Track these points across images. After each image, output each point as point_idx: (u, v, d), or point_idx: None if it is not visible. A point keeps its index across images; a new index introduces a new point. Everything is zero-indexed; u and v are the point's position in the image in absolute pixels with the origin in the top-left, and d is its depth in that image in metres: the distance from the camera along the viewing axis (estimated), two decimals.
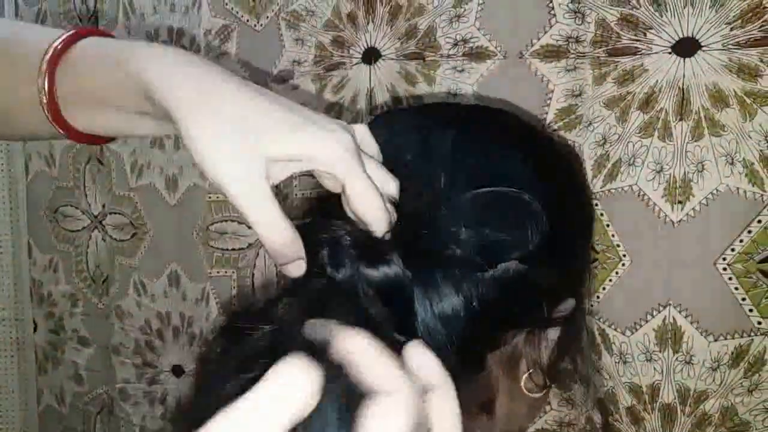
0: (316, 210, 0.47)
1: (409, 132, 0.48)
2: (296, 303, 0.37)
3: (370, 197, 0.39)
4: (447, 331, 0.42)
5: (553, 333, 0.48)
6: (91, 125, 0.47)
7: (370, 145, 0.43)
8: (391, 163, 0.43)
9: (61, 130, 0.46)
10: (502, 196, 0.44)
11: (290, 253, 0.39)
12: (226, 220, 0.93)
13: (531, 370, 0.48)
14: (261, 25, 0.87)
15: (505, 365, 0.48)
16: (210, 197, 0.93)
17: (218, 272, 0.95)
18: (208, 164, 0.38)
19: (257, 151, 0.37)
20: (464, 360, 0.43)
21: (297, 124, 0.38)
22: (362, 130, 0.43)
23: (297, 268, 0.39)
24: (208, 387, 0.38)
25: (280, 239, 0.38)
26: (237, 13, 0.88)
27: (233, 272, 0.94)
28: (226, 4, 0.88)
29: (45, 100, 0.45)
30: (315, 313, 0.33)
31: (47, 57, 0.44)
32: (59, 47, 0.45)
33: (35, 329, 1.18)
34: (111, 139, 0.51)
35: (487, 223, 0.43)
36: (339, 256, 0.40)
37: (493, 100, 0.72)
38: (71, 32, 0.45)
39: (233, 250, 0.94)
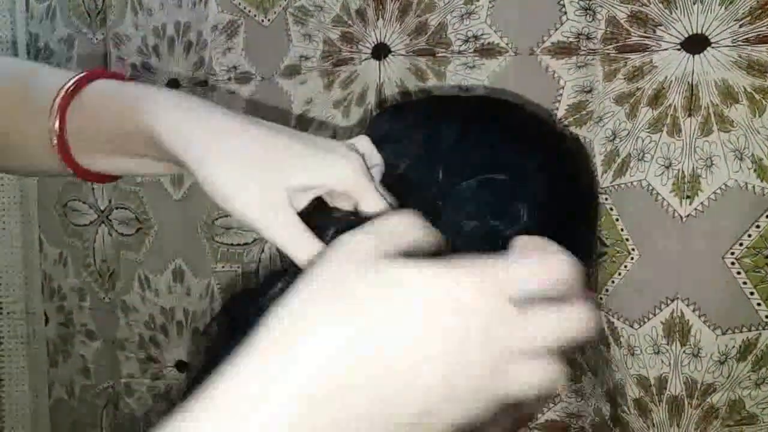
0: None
1: (415, 126, 0.49)
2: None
3: (382, 209, 0.41)
4: None
5: None
6: (100, 165, 0.49)
7: (373, 155, 0.45)
8: (397, 158, 0.44)
9: (70, 169, 0.48)
10: (504, 186, 0.45)
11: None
12: (231, 215, 0.93)
13: None
14: (268, 20, 0.87)
15: None
16: None
17: (223, 267, 0.95)
18: (236, 203, 0.40)
19: (280, 184, 0.40)
20: None
21: (312, 155, 0.41)
22: (365, 144, 0.45)
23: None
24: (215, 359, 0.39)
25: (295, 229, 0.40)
26: (244, 8, 0.88)
27: (238, 267, 0.94)
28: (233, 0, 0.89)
29: (55, 141, 0.46)
30: None
31: (58, 99, 0.46)
32: (70, 89, 0.46)
33: (46, 322, 1.19)
34: (118, 177, 0.52)
35: (490, 214, 0.44)
36: None
37: (502, 92, 0.73)
38: (81, 75, 0.47)
39: (238, 245, 0.94)
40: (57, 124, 0.46)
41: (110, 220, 1.05)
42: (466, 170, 0.43)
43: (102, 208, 1.06)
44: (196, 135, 0.41)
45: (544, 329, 0.30)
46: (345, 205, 0.43)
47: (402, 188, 0.44)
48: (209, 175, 0.40)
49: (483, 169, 0.45)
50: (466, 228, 0.43)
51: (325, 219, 0.43)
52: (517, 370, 0.30)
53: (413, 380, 0.28)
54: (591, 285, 0.63)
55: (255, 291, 0.45)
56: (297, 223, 0.40)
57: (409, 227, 0.33)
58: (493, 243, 0.42)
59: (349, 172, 0.40)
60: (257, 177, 0.40)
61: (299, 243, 0.39)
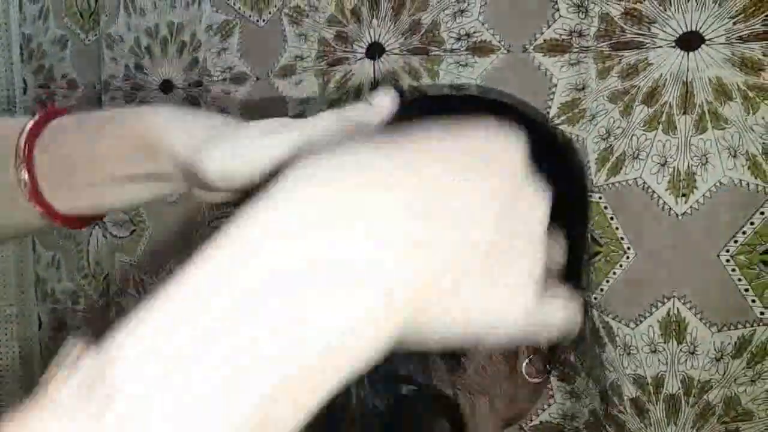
0: None
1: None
2: None
3: None
4: None
5: None
6: (77, 203, 0.45)
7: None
8: None
9: (47, 216, 0.44)
10: None
11: None
12: (226, 216, 0.93)
13: (531, 356, 0.49)
14: (263, 20, 0.87)
15: (505, 352, 0.49)
16: None
17: None
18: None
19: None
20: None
21: None
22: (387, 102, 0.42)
23: None
24: None
25: None
26: (239, 8, 0.88)
27: None
28: (228, 0, 0.88)
29: (28, 186, 0.43)
30: None
31: (21, 143, 0.43)
32: (30, 130, 0.43)
33: (40, 326, 1.18)
34: (99, 218, 0.49)
35: None
36: None
37: (494, 91, 0.73)
38: (37, 116, 0.44)
39: None
40: (25, 171, 0.43)
41: (104, 223, 1.05)
42: None
43: None
44: (193, 127, 0.40)
45: None
46: None
47: None
48: (211, 155, 0.38)
49: None
50: None
51: None
52: None
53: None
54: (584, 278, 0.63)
55: None
56: None
57: None
58: None
59: None
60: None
61: None
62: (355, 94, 0.82)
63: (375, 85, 0.80)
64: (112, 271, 1.05)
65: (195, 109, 0.43)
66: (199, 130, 0.40)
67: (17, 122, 0.44)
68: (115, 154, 0.42)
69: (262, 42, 0.87)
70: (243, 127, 0.40)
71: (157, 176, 0.42)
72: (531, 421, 0.76)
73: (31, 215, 0.44)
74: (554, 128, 0.68)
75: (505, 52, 0.72)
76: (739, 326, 0.64)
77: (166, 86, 0.94)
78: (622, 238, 0.67)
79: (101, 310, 1.08)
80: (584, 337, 0.65)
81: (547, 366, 0.51)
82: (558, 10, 0.69)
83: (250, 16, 0.87)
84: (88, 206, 0.46)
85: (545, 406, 0.75)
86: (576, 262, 0.53)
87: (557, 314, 0.33)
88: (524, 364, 0.50)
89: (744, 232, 0.63)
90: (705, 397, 0.66)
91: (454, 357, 0.47)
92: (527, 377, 0.50)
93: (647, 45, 0.65)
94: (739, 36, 0.61)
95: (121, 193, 0.44)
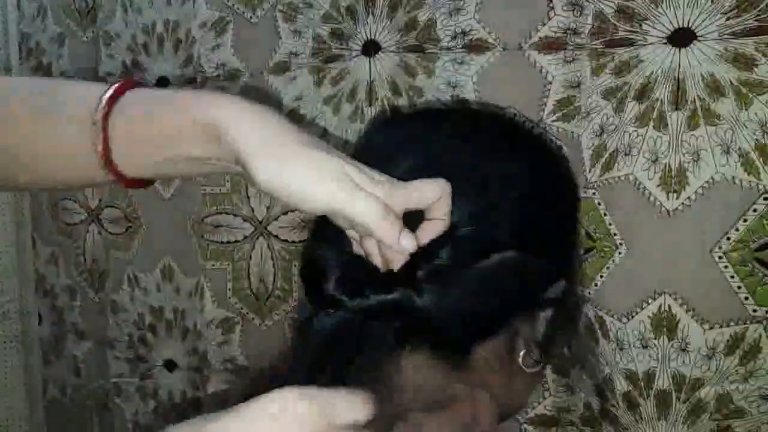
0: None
1: (408, 140, 0.52)
2: None
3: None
4: (442, 324, 0.47)
5: (547, 312, 0.52)
6: (143, 171, 0.49)
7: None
8: (389, 170, 0.46)
9: (112, 177, 0.48)
10: (494, 194, 0.49)
11: (398, 228, 0.42)
12: (220, 213, 0.93)
13: (528, 348, 0.51)
14: (257, 17, 0.87)
15: (502, 345, 0.51)
16: (205, 190, 0.93)
17: (213, 265, 0.95)
18: (317, 193, 0.42)
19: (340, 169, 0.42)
20: (455, 348, 0.49)
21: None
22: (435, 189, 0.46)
23: (410, 242, 0.43)
24: None
25: (389, 221, 0.42)
26: (233, 5, 0.88)
27: (228, 265, 0.94)
28: None
29: (100, 149, 0.46)
30: None
31: (101, 107, 0.46)
32: (110, 97, 0.46)
33: (40, 322, 1.18)
34: (153, 181, 0.52)
35: (482, 220, 0.48)
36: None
37: (488, 98, 0.73)
38: (118, 83, 0.47)
39: (228, 242, 0.94)
40: (101, 134, 0.46)
41: (100, 219, 1.05)
42: (457, 180, 0.46)
43: (92, 207, 1.06)
44: (257, 129, 0.43)
45: None
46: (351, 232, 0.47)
47: None
48: (282, 172, 0.41)
49: (473, 177, 0.49)
50: (460, 234, 0.46)
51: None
52: None
53: None
54: (578, 280, 0.64)
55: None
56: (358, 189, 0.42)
57: (354, 408, 0.34)
58: (485, 247, 0.47)
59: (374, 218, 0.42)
60: (318, 165, 0.42)
61: (388, 221, 0.42)
62: (350, 92, 0.82)
63: (371, 84, 0.80)
64: (107, 267, 1.05)
65: (270, 108, 0.44)
66: (267, 132, 0.43)
67: (99, 88, 0.47)
68: (183, 136, 0.45)
69: (257, 38, 0.87)
70: (307, 151, 0.42)
71: (216, 160, 0.45)
72: (527, 414, 0.76)
73: (98, 174, 0.48)
74: (532, 127, 0.69)
75: (501, 49, 0.72)
76: (732, 324, 0.64)
77: (162, 82, 0.95)
78: (615, 234, 0.67)
79: None
80: (578, 331, 0.66)
81: (543, 357, 0.52)
82: (553, 8, 0.69)
83: (243, 12, 0.88)
84: (150, 174, 0.49)
85: (540, 399, 0.75)
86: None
87: None
88: (521, 355, 0.51)
89: (736, 229, 0.63)
90: (696, 393, 0.66)
91: (456, 354, 0.50)
92: (524, 368, 0.51)
93: (639, 42, 0.65)
94: (732, 32, 0.61)
95: (183, 168, 0.47)
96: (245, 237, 0.92)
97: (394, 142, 0.52)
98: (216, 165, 0.46)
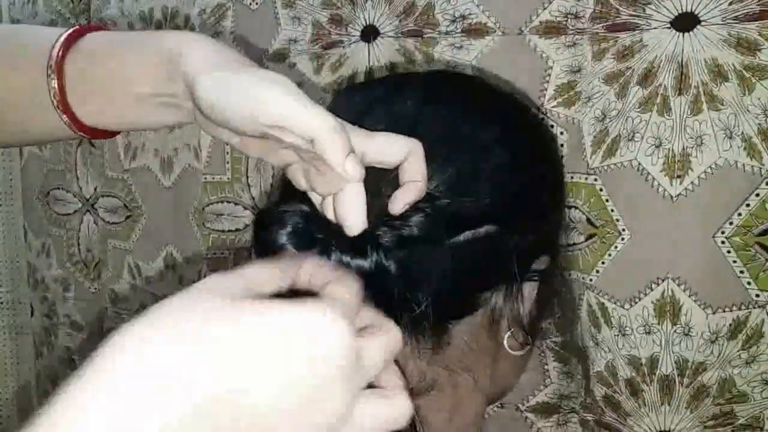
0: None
1: (375, 102, 0.49)
2: None
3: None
4: (421, 297, 0.44)
5: (530, 290, 0.50)
6: (101, 118, 0.48)
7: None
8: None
9: (71, 125, 0.47)
10: (465, 161, 0.46)
11: (348, 148, 0.39)
12: (222, 201, 0.93)
13: (512, 329, 0.49)
14: (256, 3, 0.86)
15: (486, 326, 0.49)
16: (206, 178, 0.93)
17: (215, 254, 0.94)
18: (248, 96, 0.40)
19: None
20: (435, 322, 0.45)
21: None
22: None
23: (357, 168, 0.39)
24: None
25: (341, 136, 0.38)
26: None
27: (230, 253, 0.94)
28: None
29: (57, 95, 0.46)
30: None
31: (54, 53, 0.45)
32: (63, 42, 0.46)
33: (32, 313, 1.18)
34: (115, 133, 0.51)
35: (455, 190, 0.45)
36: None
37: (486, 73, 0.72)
38: (74, 28, 0.47)
39: (230, 231, 0.93)
40: (55, 79, 0.45)
41: (95, 209, 1.04)
42: (426, 145, 0.43)
43: (87, 196, 1.05)
44: (219, 57, 0.42)
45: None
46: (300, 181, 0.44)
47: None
48: (229, 82, 0.40)
49: (443, 143, 0.46)
50: (428, 209, 0.43)
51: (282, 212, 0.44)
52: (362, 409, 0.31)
53: (274, 407, 0.28)
54: (564, 257, 0.63)
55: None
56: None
57: (275, 276, 0.34)
58: (455, 219, 0.44)
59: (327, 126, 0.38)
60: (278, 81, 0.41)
61: (314, 116, 0.38)
62: (349, 78, 0.81)
63: (370, 70, 0.79)
64: (104, 257, 1.05)
65: (228, 46, 0.44)
66: (217, 58, 0.42)
67: (53, 32, 0.47)
68: (141, 73, 0.44)
69: (256, 25, 0.87)
70: (250, 70, 0.41)
71: (174, 98, 0.44)
72: (528, 401, 0.76)
73: (55, 124, 0.47)
74: (518, 98, 0.67)
75: (501, 34, 0.72)
76: (734, 308, 0.64)
77: None
78: (617, 220, 0.67)
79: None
80: (562, 301, 0.64)
81: (528, 338, 0.51)
82: None
83: None
84: (112, 122, 0.48)
85: (542, 387, 0.75)
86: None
87: None
88: (506, 337, 0.50)
89: (739, 214, 0.63)
90: (699, 378, 0.66)
91: (435, 333, 0.47)
92: (510, 350, 0.50)
93: (642, 26, 0.64)
94: (735, 16, 0.60)
95: (143, 113, 0.46)
96: (246, 225, 0.92)
97: (356, 108, 0.48)
98: (169, 105, 0.45)
